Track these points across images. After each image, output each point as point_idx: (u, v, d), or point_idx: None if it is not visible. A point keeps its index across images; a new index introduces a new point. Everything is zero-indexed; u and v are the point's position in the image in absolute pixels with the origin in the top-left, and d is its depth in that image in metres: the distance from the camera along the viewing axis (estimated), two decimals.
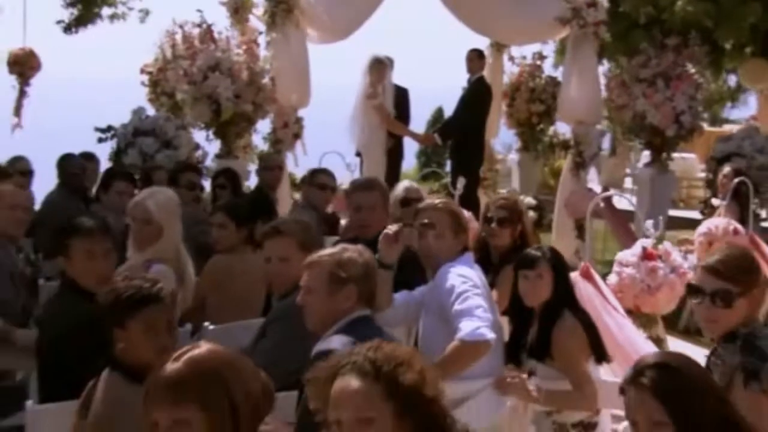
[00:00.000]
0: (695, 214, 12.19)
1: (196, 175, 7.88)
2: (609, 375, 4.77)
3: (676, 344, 6.93)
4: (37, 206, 7.37)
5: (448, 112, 15.25)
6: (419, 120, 13.27)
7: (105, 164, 9.30)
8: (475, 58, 12.02)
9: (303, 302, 4.03)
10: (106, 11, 13.27)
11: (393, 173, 11.29)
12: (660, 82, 10.76)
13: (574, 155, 10.99)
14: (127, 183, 7.47)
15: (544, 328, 4.61)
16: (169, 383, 2.61)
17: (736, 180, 8.25)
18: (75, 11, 13.03)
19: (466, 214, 6.08)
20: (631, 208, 8.94)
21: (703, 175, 14.38)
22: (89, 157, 9.02)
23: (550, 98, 12.42)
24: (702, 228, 7.55)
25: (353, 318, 3.93)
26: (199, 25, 10.10)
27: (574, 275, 5.37)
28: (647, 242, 5.57)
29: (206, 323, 5.27)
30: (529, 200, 10.91)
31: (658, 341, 5.54)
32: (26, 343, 4.91)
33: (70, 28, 13.28)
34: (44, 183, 8.64)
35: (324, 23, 10.63)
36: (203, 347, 2.70)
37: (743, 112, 21.33)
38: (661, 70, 10.81)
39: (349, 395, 2.61)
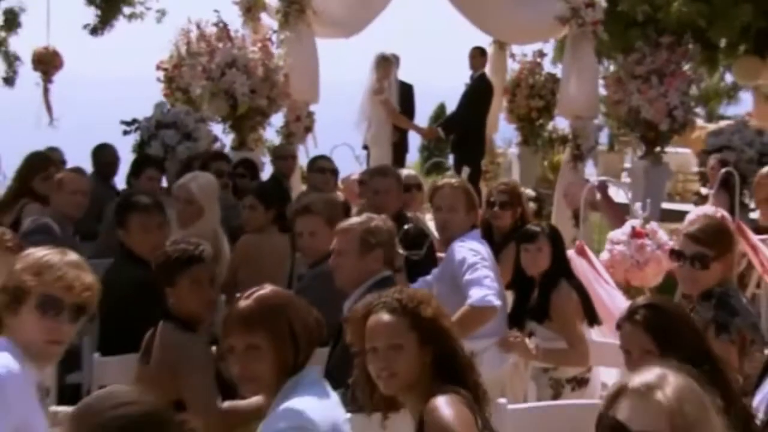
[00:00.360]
0: (691, 207, 12.65)
1: (225, 164, 8.39)
2: (600, 337, 5.33)
3: None
4: None
5: (450, 108, 15.74)
6: (422, 115, 13.74)
7: (129, 155, 9.75)
8: (478, 55, 12.43)
9: (335, 264, 4.62)
10: (125, 11, 13.75)
11: (398, 165, 11.77)
12: (654, 79, 11.28)
13: (573, 148, 11.46)
14: (156, 170, 8.01)
15: (543, 294, 5.20)
16: (242, 316, 3.21)
17: (723, 170, 8.73)
18: (97, 11, 13.48)
19: None
20: (626, 201, 9.45)
21: (697, 169, 14.83)
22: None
23: (550, 94, 12.77)
24: (690, 216, 8.01)
25: (379, 278, 4.50)
26: (216, 24, 10.64)
27: (570, 252, 5.92)
28: (636, 222, 6.14)
29: (238, 295, 5.83)
30: (529, 192, 11.38)
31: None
32: None
33: (96, 30, 13.75)
34: None
35: (335, 20, 11.13)
36: (268, 288, 3.30)
37: (738, 108, 21.71)
38: (655, 68, 11.33)
39: (382, 327, 3.24)
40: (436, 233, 6.07)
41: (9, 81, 13.14)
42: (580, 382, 5.15)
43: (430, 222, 6.81)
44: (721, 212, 8.08)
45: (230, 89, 10.16)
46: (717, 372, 3.30)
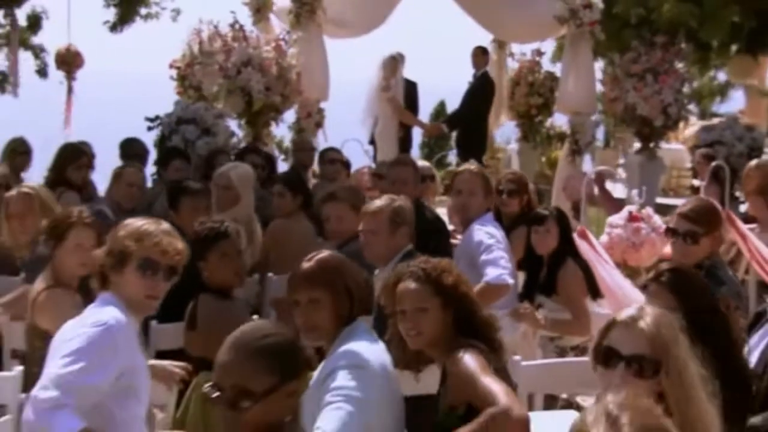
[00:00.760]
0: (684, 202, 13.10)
1: (257, 157, 8.89)
2: (601, 309, 5.87)
3: None
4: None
5: (450, 105, 16.22)
6: (422, 112, 14.19)
7: (151, 149, 10.22)
8: (480, 54, 12.83)
9: (367, 242, 5.16)
10: (141, 11, 14.23)
11: None
12: (649, 77, 11.74)
13: (571, 143, 11.87)
14: (183, 160, 8.51)
15: (551, 271, 5.79)
16: (305, 274, 3.77)
17: (714, 164, 9.21)
18: (116, 10, 13.95)
19: None
20: (622, 196, 9.94)
21: (690, 165, 15.28)
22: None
23: (548, 92, 13.17)
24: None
25: (405, 252, 5.07)
26: (232, 25, 11.12)
27: (573, 236, 6.47)
28: (633, 207, 6.67)
29: (270, 274, 6.38)
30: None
31: (642, 288, 6.61)
32: None
33: (115, 27, 14.22)
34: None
35: (346, 21, 11.63)
36: (326, 252, 3.85)
37: (730, 106, 22.12)
38: (650, 66, 11.79)
39: (409, 293, 3.73)
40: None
41: (42, 73, 13.61)
42: (583, 350, 5.67)
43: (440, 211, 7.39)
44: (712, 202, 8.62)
45: (246, 87, 10.62)
46: (725, 322, 3.94)
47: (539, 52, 13.69)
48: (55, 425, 3.26)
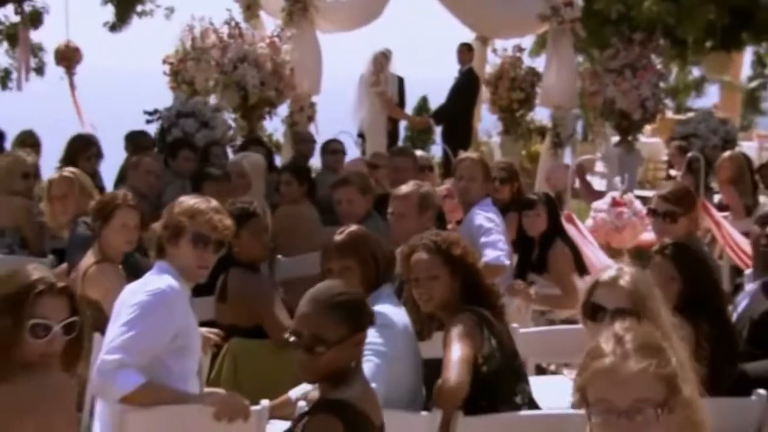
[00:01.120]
0: None
1: (261, 148, 9.30)
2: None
3: None
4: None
5: (433, 100, 16.62)
6: (406, 107, 14.57)
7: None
8: (465, 50, 13.20)
9: (396, 225, 5.65)
10: (137, 9, 14.55)
11: None
12: (627, 72, 12.21)
13: (552, 136, 12.36)
14: (190, 150, 8.87)
15: (542, 251, 6.34)
16: (337, 245, 4.29)
17: (689, 155, 9.68)
18: (113, 9, 14.29)
19: None
20: (602, 188, 10.44)
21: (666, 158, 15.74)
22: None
23: (530, 87, 13.37)
24: None
25: None
26: (228, 23, 11.52)
27: (561, 218, 6.98)
28: (615, 193, 7.21)
29: (279, 256, 6.85)
30: None
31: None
32: None
33: (115, 27, 14.56)
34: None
35: (337, 18, 12.04)
36: (354, 226, 4.33)
37: (705, 101, 22.55)
38: (628, 62, 12.25)
39: (422, 262, 4.23)
40: None
41: (39, 71, 13.91)
42: (572, 322, 6.19)
43: None
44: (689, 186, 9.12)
45: (242, 82, 11.00)
46: (718, 288, 4.53)
47: (520, 48, 13.98)
48: (120, 382, 3.76)
